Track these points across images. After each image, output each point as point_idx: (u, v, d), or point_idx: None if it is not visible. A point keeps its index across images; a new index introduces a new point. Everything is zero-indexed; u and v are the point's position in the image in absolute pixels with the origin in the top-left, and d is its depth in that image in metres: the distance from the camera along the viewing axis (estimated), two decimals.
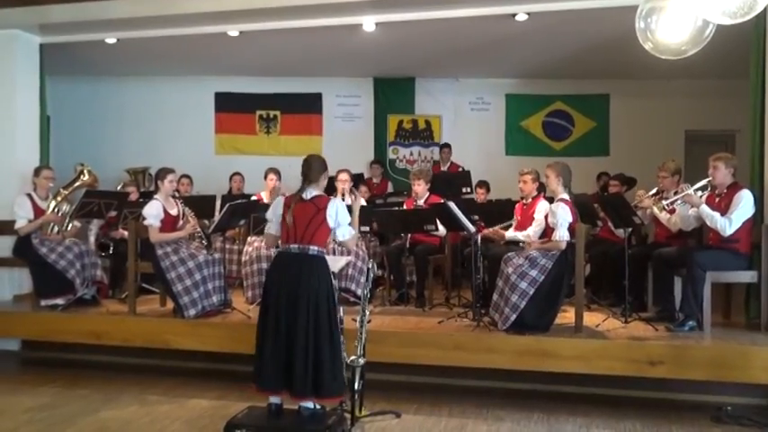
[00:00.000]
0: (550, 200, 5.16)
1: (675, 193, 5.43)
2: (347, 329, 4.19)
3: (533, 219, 5.26)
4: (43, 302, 5.88)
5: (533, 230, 5.23)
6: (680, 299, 4.98)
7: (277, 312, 3.74)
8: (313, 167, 3.91)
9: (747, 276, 5.00)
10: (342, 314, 4.21)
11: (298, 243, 3.78)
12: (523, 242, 5.33)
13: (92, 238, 6.79)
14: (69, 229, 6.10)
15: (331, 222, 3.82)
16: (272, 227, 4.00)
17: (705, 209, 4.85)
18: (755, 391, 4.58)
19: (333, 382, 3.74)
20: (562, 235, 4.83)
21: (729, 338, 4.69)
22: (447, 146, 8.97)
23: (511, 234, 5.43)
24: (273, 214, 3.98)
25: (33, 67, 6.91)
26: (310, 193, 3.87)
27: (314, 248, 3.79)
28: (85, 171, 6.38)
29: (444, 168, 8.76)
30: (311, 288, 3.72)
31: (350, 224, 3.97)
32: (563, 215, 4.83)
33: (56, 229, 6.03)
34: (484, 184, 7.47)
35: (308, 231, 3.77)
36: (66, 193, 6.18)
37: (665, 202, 5.13)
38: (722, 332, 4.87)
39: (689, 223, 5.18)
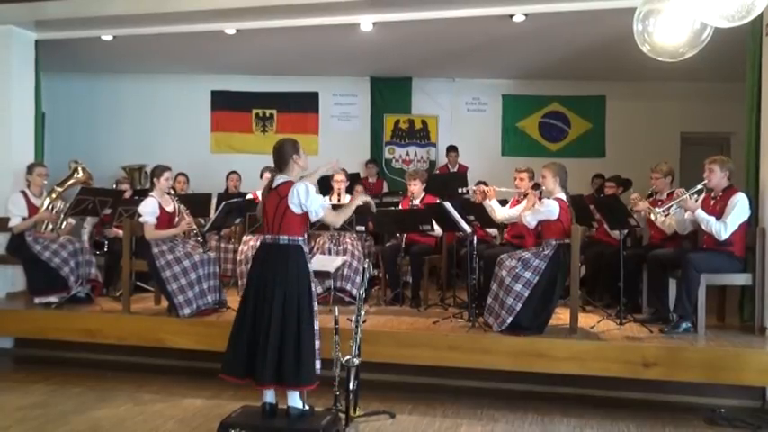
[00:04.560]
0: None
1: (669, 195, 5.45)
2: (342, 329, 4.19)
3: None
4: (37, 300, 5.86)
5: (516, 210, 5.39)
6: (674, 300, 5.00)
7: (246, 300, 3.79)
8: (280, 153, 3.83)
9: (742, 279, 5.01)
10: (337, 313, 4.22)
11: (271, 233, 3.79)
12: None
13: (85, 237, 6.77)
14: (64, 226, 6.08)
15: (295, 208, 3.71)
16: None
17: (701, 213, 4.86)
18: (749, 393, 4.60)
19: (295, 371, 3.65)
20: (528, 219, 4.93)
21: (723, 341, 4.70)
22: (454, 149, 8.94)
23: (496, 204, 5.56)
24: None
25: (28, 64, 6.87)
26: (278, 181, 3.82)
27: (284, 237, 3.75)
28: (80, 168, 6.36)
29: (453, 170, 8.74)
30: (279, 278, 3.69)
31: (322, 201, 3.85)
32: (547, 210, 4.85)
33: (50, 226, 6.00)
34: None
35: (275, 221, 3.75)
36: (61, 190, 6.16)
37: (660, 209, 5.13)
38: (716, 334, 4.89)
39: (685, 227, 5.20)
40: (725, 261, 4.90)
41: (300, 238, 3.81)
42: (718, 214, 4.85)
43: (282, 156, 3.83)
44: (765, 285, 4.90)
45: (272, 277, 3.71)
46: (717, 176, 4.94)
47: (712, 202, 4.99)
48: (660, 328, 4.93)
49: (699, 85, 8.64)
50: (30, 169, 6.11)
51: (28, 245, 5.84)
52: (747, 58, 5.33)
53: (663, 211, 5.12)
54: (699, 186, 5.01)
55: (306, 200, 3.72)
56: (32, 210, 5.92)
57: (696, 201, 4.98)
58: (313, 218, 3.84)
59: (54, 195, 6.07)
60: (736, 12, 2.80)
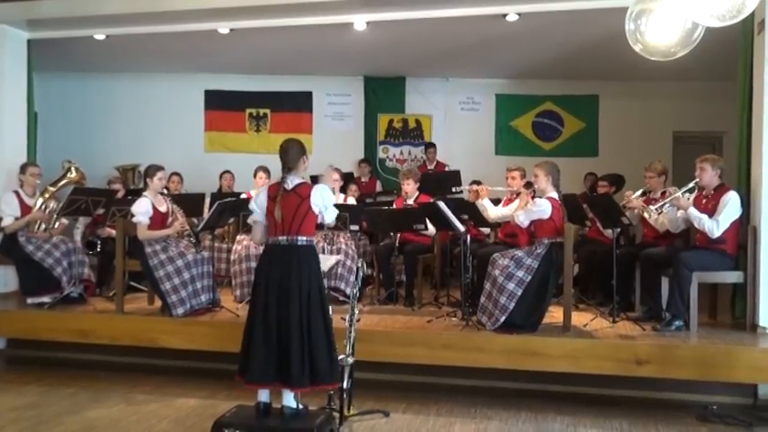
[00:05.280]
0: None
1: (662, 194, 5.48)
2: (336, 328, 4.18)
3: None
4: (29, 300, 5.84)
5: (509, 209, 5.50)
6: (667, 299, 5.02)
7: (267, 305, 3.73)
8: (290, 154, 3.84)
9: (733, 277, 5.04)
10: (331, 313, 4.21)
11: (286, 235, 3.76)
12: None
13: (78, 236, 6.75)
14: (56, 226, 6.06)
15: (316, 209, 3.79)
16: (260, 215, 3.88)
17: (693, 211, 4.89)
18: (741, 390, 4.62)
19: (329, 369, 3.74)
20: (521, 219, 4.96)
21: (715, 338, 4.73)
22: (432, 145, 9.01)
23: (488, 203, 5.61)
24: (256, 204, 3.90)
25: (21, 63, 6.84)
26: (292, 181, 3.82)
27: (302, 239, 3.77)
28: (73, 168, 6.34)
29: (431, 167, 8.78)
30: (303, 279, 3.71)
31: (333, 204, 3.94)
32: (539, 209, 4.87)
33: (43, 226, 5.98)
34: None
35: (294, 222, 3.74)
36: (54, 190, 6.14)
37: (653, 207, 5.16)
38: (708, 332, 4.91)
39: (677, 225, 5.23)
40: (717, 259, 4.93)
41: (314, 239, 3.87)
42: (710, 212, 4.88)
43: (294, 156, 3.84)
44: (757, 283, 4.94)
45: (296, 279, 3.70)
46: (708, 175, 4.97)
47: (704, 200, 5.02)
48: (653, 326, 4.95)
49: (691, 84, 8.67)
50: (22, 169, 6.09)
51: (20, 245, 5.82)
52: (739, 57, 5.36)
53: (656, 209, 5.15)
54: (690, 185, 5.05)
55: (327, 202, 3.83)
56: (25, 209, 5.90)
57: (688, 199, 5.02)
58: (327, 221, 3.91)
59: (47, 195, 6.05)
60: (728, 11, 2.81)
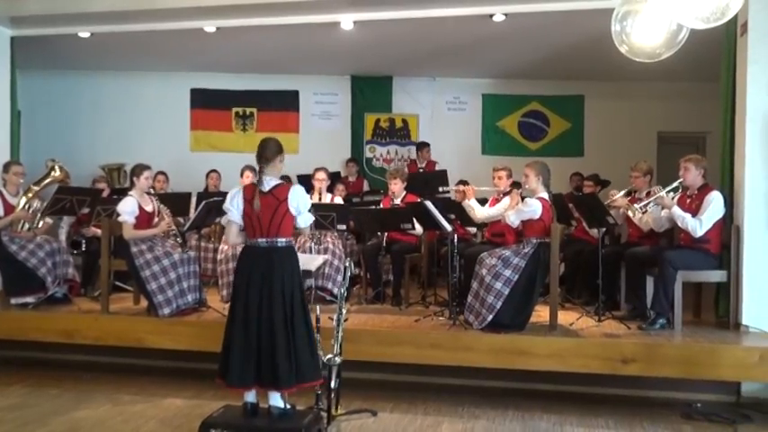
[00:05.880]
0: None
1: (647, 194, 5.53)
2: (324, 328, 4.19)
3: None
4: (13, 301, 5.77)
5: (496, 209, 5.52)
6: (652, 297, 5.07)
7: (247, 307, 3.71)
8: (268, 148, 3.80)
9: (717, 276, 5.10)
10: (318, 312, 4.21)
11: (265, 237, 3.74)
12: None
13: (62, 236, 6.69)
14: (40, 226, 6.00)
15: (294, 211, 3.77)
16: (234, 215, 3.81)
17: (677, 210, 4.94)
18: (724, 388, 4.67)
19: (311, 366, 3.76)
20: (511, 219, 4.98)
21: (699, 337, 4.78)
22: (426, 145, 9.01)
23: (475, 203, 5.61)
24: (232, 205, 3.82)
25: (4, 61, 6.77)
26: (269, 183, 3.79)
27: (282, 240, 3.76)
28: (56, 167, 6.27)
29: (421, 167, 8.79)
30: (285, 280, 3.71)
31: (309, 210, 3.92)
32: (530, 209, 4.88)
33: (26, 226, 5.91)
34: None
35: (273, 224, 3.72)
36: (37, 189, 6.07)
37: (638, 206, 5.21)
38: (692, 330, 4.96)
39: (661, 224, 5.28)
40: (701, 258, 4.98)
41: (292, 239, 3.87)
42: (694, 212, 4.94)
43: (270, 155, 3.81)
44: (740, 282, 4.99)
45: (278, 280, 3.69)
46: (692, 174, 5.03)
47: (688, 200, 5.08)
48: (638, 325, 4.99)
49: (676, 84, 8.76)
50: (6, 168, 6.01)
51: (4, 245, 5.75)
52: (722, 59, 5.42)
53: (640, 208, 5.20)
54: (675, 184, 5.10)
55: (303, 207, 3.81)
56: (8, 209, 5.83)
57: (672, 198, 5.07)
58: (300, 225, 3.86)
59: (30, 194, 5.98)
60: (712, 13, 2.85)
